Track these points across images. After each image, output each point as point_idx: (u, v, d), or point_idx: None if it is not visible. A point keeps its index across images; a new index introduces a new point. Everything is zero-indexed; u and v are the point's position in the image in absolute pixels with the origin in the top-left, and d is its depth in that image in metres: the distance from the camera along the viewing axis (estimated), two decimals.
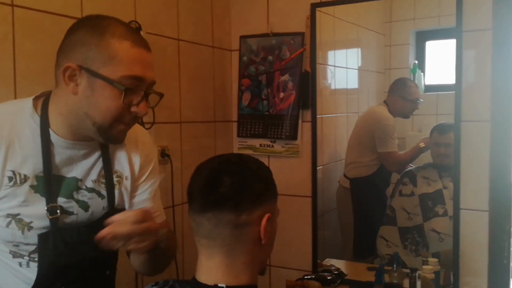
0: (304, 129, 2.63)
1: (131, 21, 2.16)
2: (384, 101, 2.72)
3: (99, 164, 1.42)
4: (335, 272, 2.48)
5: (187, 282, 1.22)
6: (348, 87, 2.93)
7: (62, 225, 1.33)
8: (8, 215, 1.28)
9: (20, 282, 1.33)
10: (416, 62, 2.71)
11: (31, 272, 1.32)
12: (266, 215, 1.17)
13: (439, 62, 2.73)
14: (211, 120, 2.69)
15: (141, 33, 2.15)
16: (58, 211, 1.32)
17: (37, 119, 1.32)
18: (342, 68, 2.85)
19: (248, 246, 1.18)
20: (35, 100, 1.36)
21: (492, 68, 2.14)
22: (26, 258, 1.33)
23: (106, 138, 1.33)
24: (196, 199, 1.17)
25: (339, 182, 2.83)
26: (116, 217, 1.23)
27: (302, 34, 2.59)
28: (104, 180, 1.42)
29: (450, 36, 2.58)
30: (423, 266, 2.22)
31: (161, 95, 1.38)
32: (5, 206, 1.28)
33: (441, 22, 2.64)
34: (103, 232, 1.20)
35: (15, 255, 1.32)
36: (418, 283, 2.20)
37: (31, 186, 1.30)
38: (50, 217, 1.30)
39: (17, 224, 1.28)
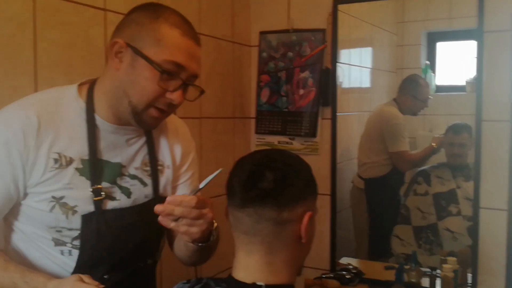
0: (324, 127, 2.63)
1: None
2: (394, 99, 2.72)
3: (143, 152, 1.43)
4: (353, 271, 2.47)
5: (223, 280, 1.19)
6: (362, 86, 2.93)
7: (105, 210, 1.33)
8: (52, 198, 1.28)
9: (61, 270, 1.32)
10: (428, 62, 2.71)
11: (72, 261, 1.32)
12: (308, 213, 1.15)
13: (450, 63, 2.73)
14: (230, 116, 2.68)
15: None
16: (103, 193, 1.32)
17: (82, 103, 1.33)
18: (356, 67, 2.85)
19: (288, 244, 1.15)
20: (80, 86, 1.38)
21: None
22: (69, 245, 1.32)
23: (139, 121, 1.32)
24: (236, 194, 1.15)
25: (353, 182, 2.82)
26: (175, 197, 1.22)
27: (323, 31, 2.58)
28: (147, 168, 1.43)
29: (461, 38, 2.62)
30: (443, 265, 2.21)
31: (201, 91, 1.37)
32: (50, 189, 1.28)
33: (452, 24, 2.64)
34: (160, 207, 1.20)
35: (57, 242, 1.31)
36: (438, 282, 2.19)
37: (76, 169, 1.30)
38: (95, 198, 1.31)
39: (61, 208, 1.28)
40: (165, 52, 1.26)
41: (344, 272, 2.46)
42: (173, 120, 1.50)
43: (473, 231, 2.26)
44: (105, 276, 1.35)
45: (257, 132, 2.79)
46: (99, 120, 1.34)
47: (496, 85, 2.20)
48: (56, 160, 1.28)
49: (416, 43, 2.75)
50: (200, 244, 1.32)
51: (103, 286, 1.17)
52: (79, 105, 1.34)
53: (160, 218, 1.22)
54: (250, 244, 1.15)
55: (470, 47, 2.29)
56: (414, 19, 2.75)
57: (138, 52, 1.26)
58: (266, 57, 2.73)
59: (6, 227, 1.37)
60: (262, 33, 2.75)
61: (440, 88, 2.69)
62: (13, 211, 1.32)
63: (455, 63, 2.66)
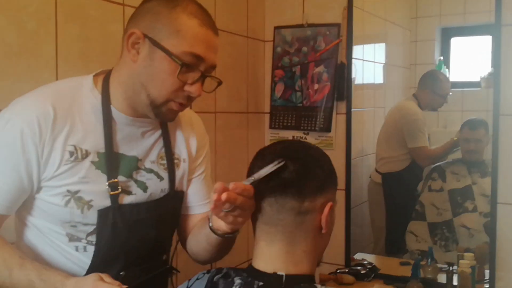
0: (338, 121, 2.62)
1: None
2: (413, 95, 2.71)
3: (159, 145, 1.40)
4: (368, 267, 2.47)
5: (243, 270, 1.19)
6: (375, 82, 2.93)
7: (122, 204, 1.31)
8: (67, 192, 1.25)
9: (75, 267, 1.30)
10: (442, 58, 2.70)
11: (87, 257, 1.30)
12: (329, 204, 1.15)
13: (464, 59, 2.72)
14: (244, 111, 2.68)
15: None
16: (120, 187, 1.30)
17: (98, 95, 1.31)
18: (370, 62, 2.85)
19: (309, 234, 1.15)
20: (96, 76, 1.34)
21: None
22: (84, 241, 1.29)
23: (157, 114, 1.29)
24: (257, 184, 1.14)
25: (370, 177, 2.83)
26: (238, 184, 1.12)
27: (338, 25, 2.58)
28: (163, 162, 1.40)
29: (476, 33, 2.61)
30: (460, 261, 2.19)
31: (219, 82, 1.35)
32: (65, 182, 1.25)
33: (466, 19, 2.64)
34: (225, 194, 1.10)
35: (71, 238, 1.29)
36: (455, 278, 2.18)
37: (92, 162, 1.28)
38: (111, 192, 1.28)
39: (76, 203, 1.25)
40: (183, 43, 1.22)
41: (359, 268, 2.46)
42: (187, 113, 1.47)
43: (491, 226, 2.24)
44: (121, 273, 1.33)
45: (271, 127, 2.78)
46: (115, 112, 1.31)
47: None
48: (71, 153, 1.25)
49: (430, 38, 2.75)
50: (226, 236, 1.29)
51: (125, 286, 1.15)
52: (95, 97, 1.31)
53: (212, 207, 1.13)
54: (271, 234, 1.15)
55: (484, 42, 2.28)
56: (428, 14, 2.75)
57: (156, 44, 1.22)
58: (280, 52, 2.73)
59: (19, 222, 1.34)
60: (277, 28, 2.75)
61: (454, 84, 2.68)
62: (27, 205, 1.29)
63: (469, 59, 2.66)
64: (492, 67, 2.26)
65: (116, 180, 1.30)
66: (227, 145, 2.54)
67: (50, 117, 1.23)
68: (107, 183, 1.28)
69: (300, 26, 2.67)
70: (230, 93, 2.56)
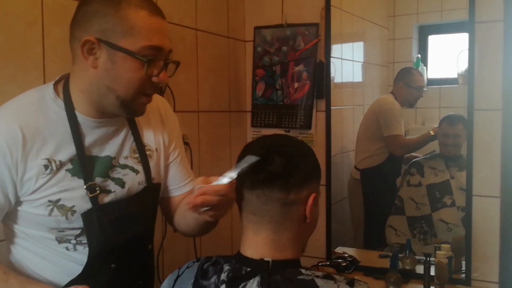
0: (318, 119, 2.66)
1: None
2: (391, 92, 2.77)
3: (129, 140, 1.42)
4: (349, 259, 2.51)
5: (232, 257, 1.25)
6: (354, 80, 2.96)
7: (103, 204, 1.34)
8: (49, 202, 1.28)
9: (73, 264, 1.34)
10: (419, 56, 2.74)
11: (80, 254, 1.34)
12: (313, 195, 1.21)
13: (442, 56, 2.77)
14: (226, 110, 2.72)
15: None
16: (97, 189, 1.32)
17: (61, 103, 1.32)
18: (348, 61, 2.88)
19: (294, 224, 1.21)
20: (55, 84, 1.35)
21: (504, 58, 2.19)
22: (73, 241, 1.33)
23: (129, 111, 1.32)
24: (246, 176, 1.20)
25: (350, 174, 2.87)
26: (210, 188, 1.20)
27: (316, 25, 2.62)
28: (136, 155, 1.43)
29: (453, 30, 2.65)
30: (437, 252, 2.24)
31: (177, 63, 1.35)
32: (45, 194, 1.27)
33: (444, 17, 2.68)
34: (199, 199, 1.20)
35: (61, 240, 1.33)
36: (432, 268, 2.23)
37: (67, 170, 1.30)
38: (90, 195, 1.31)
39: (59, 211, 1.28)
40: (141, 39, 1.23)
41: (339, 260, 2.51)
42: (153, 100, 1.41)
43: (467, 218, 2.29)
44: (112, 265, 1.37)
45: (253, 125, 2.83)
46: (80, 117, 1.32)
47: (488, 75, 2.23)
48: (46, 166, 1.27)
49: (408, 36, 2.80)
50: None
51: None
52: (59, 106, 1.31)
53: (190, 207, 1.22)
54: (258, 223, 1.21)
55: (462, 39, 2.32)
56: (405, 12, 2.79)
57: (115, 47, 1.23)
58: (261, 52, 2.77)
59: (8, 230, 1.37)
60: (257, 28, 2.78)
61: (432, 81, 2.73)
62: (12, 216, 1.32)
63: (447, 56, 2.69)
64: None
65: (93, 182, 1.32)
66: (210, 144, 2.57)
67: (19, 139, 1.24)
68: (84, 187, 1.31)
69: (280, 26, 2.71)
70: (212, 93, 2.59)
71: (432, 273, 2.23)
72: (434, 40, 2.78)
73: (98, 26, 1.23)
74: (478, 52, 2.25)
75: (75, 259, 1.34)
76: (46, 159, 1.27)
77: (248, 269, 1.19)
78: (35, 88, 1.38)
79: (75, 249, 1.34)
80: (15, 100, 1.34)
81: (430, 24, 2.78)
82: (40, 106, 1.30)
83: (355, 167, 2.85)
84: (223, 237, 2.60)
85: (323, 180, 2.61)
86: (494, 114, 2.22)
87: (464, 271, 2.32)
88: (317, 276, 1.16)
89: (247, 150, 1.25)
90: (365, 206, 2.85)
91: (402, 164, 2.82)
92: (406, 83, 2.72)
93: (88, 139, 1.33)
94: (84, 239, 1.33)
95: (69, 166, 1.30)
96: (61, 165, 1.29)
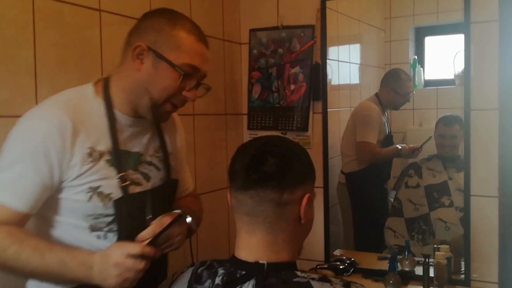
0: (315, 121, 2.66)
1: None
2: (376, 94, 2.76)
3: (154, 141, 1.61)
4: (348, 262, 2.50)
5: (226, 261, 1.24)
6: (351, 82, 2.96)
7: (132, 194, 1.49)
8: (89, 189, 1.41)
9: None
10: (416, 57, 2.74)
11: (109, 242, 1.44)
12: (307, 195, 1.21)
13: (438, 57, 2.77)
14: (222, 113, 2.71)
15: None
16: (128, 180, 1.48)
17: (100, 101, 1.49)
18: (345, 63, 2.89)
19: (289, 225, 1.21)
20: (95, 84, 1.53)
21: (499, 58, 2.19)
22: (105, 229, 1.46)
23: (155, 115, 1.49)
24: (239, 177, 1.20)
25: (338, 179, 2.85)
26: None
27: (312, 27, 2.62)
28: (158, 155, 1.62)
29: (448, 32, 2.65)
30: (436, 253, 2.24)
31: (208, 88, 1.57)
32: (87, 180, 1.41)
33: (440, 18, 2.68)
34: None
35: (93, 228, 1.45)
36: (431, 269, 2.22)
37: (107, 161, 1.45)
38: (122, 185, 1.46)
39: (98, 197, 1.42)
40: (184, 56, 1.44)
41: (338, 263, 2.50)
42: None
43: (465, 218, 2.29)
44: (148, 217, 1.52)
45: (249, 128, 2.82)
46: (118, 114, 1.49)
47: (484, 75, 2.24)
48: (89, 155, 1.42)
49: (404, 38, 2.79)
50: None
51: (147, 242, 1.37)
52: (98, 103, 1.48)
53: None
54: (252, 224, 1.21)
55: (458, 40, 2.32)
56: (401, 14, 2.78)
57: (160, 56, 1.43)
58: (256, 54, 2.76)
59: (44, 222, 1.46)
60: (252, 30, 2.78)
61: (429, 83, 2.73)
62: (53, 206, 1.43)
63: (443, 57, 2.69)
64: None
65: (125, 173, 1.48)
66: (206, 147, 2.57)
67: (70, 128, 1.38)
68: (117, 177, 1.46)
69: (275, 28, 2.71)
70: (208, 96, 2.52)
71: (432, 274, 2.22)
72: (430, 42, 2.78)
73: (152, 37, 1.45)
74: (474, 52, 2.25)
75: (104, 247, 1.41)
76: (90, 147, 1.42)
77: (243, 272, 1.18)
78: (74, 88, 1.54)
79: (105, 237, 1.46)
80: (58, 96, 1.49)
81: (426, 25, 2.77)
82: (82, 103, 1.46)
83: (341, 171, 2.82)
84: (220, 241, 2.60)
85: (320, 183, 2.61)
86: (490, 114, 2.23)
87: (463, 271, 2.32)
88: (313, 279, 1.16)
89: (241, 151, 1.25)
90: (353, 210, 2.82)
91: (391, 167, 2.82)
92: (394, 89, 2.72)
93: (123, 135, 1.50)
94: (114, 227, 1.46)
95: (108, 157, 1.45)
96: (101, 155, 1.44)
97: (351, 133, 2.79)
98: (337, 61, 2.78)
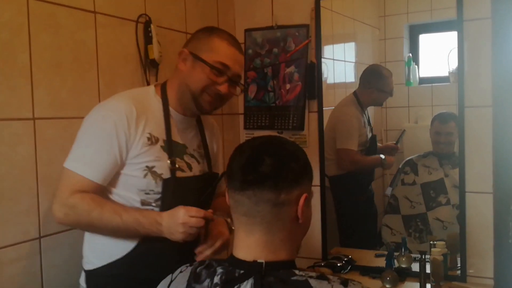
0: (311, 120, 2.67)
1: (141, 14, 2.20)
2: (354, 92, 2.78)
3: (196, 139, 1.89)
4: (345, 259, 2.51)
5: (225, 260, 1.25)
6: (346, 81, 2.97)
7: (178, 177, 1.74)
8: (146, 167, 1.69)
9: None
10: (410, 55, 2.75)
11: None
12: (304, 195, 1.21)
13: (433, 55, 2.78)
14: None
15: (152, 26, 2.20)
16: (177, 165, 1.75)
17: (159, 99, 1.78)
18: (340, 62, 2.90)
19: (286, 224, 1.21)
20: (155, 86, 1.83)
21: (492, 55, 2.20)
22: (153, 204, 1.71)
23: (198, 106, 1.76)
24: (236, 178, 1.21)
25: None
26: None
27: (307, 26, 2.63)
28: (200, 151, 1.89)
29: (442, 29, 2.66)
30: (432, 249, 2.25)
31: (243, 88, 1.97)
32: (144, 160, 1.68)
33: (434, 16, 2.69)
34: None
35: (143, 203, 1.70)
36: (428, 266, 2.23)
37: (161, 146, 1.73)
38: (171, 168, 1.72)
39: (152, 175, 1.69)
40: (215, 55, 1.73)
41: (335, 260, 2.51)
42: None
43: (461, 215, 2.31)
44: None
45: (245, 128, 2.83)
46: (172, 111, 1.79)
47: (477, 72, 2.25)
48: (148, 138, 1.69)
49: (399, 36, 2.80)
50: None
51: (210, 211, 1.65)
52: (158, 101, 1.78)
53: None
54: (250, 224, 1.21)
55: (452, 38, 2.33)
56: (395, 12, 2.80)
57: (197, 57, 1.73)
58: (252, 54, 2.77)
59: (104, 194, 1.69)
60: (247, 30, 2.79)
61: (423, 80, 2.74)
62: (114, 181, 1.69)
63: (438, 55, 2.70)
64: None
65: (174, 159, 1.74)
66: None
67: (134, 114, 1.67)
68: (169, 161, 1.72)
69: (270, 28, 2.72)
70: None
71: (428, 270, 2.23)
72: (424, 39, 2.79)
73: (194, 44, 1.78)
74: (467, 49, 2.26)
75: None
76: (149, 133, 1.70)
77: (242, 271, 1.19)
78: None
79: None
80: (124, 92, 1.78)
81: (421, 23, 2.78)
82: (145, 99, 1.76)
83: (325, 174, 2.75)
84: None
85: (317, 181, 2.62)
86: (484, 111, 2.24)
87: (459, 267, 2.33)
88: (311, 277, 1.16)
89: (238, 151, 1.26)
90: (336, 213, 2.81)
91: (375, 170, 2.83)
92: (379, 88, 2.74)
93: (175, 129, 1.78)
94: (160, 203, 1.71)
95: (162, 143, 1.73)
96: (157, 140, 1.72)
97: (330, 138, 2.74)
98: (332, 60, 2.79)
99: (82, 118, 1.92)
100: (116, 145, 1.64)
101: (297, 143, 2.59)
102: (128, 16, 2.15)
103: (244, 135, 2.86)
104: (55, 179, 1.83)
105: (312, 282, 1.15)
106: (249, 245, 1.22)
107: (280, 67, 2.69)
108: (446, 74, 2.57)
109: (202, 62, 1.71)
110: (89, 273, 1.74)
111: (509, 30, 2.16)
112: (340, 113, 2.82)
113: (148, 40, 2.22)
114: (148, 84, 2.23)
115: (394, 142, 2.78)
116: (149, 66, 2.25)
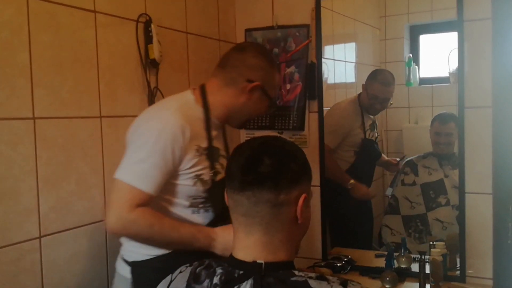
0: (311, 120, 2.67)
1: (142, 14, 2.19)
2: (358, 95, 2.78)
3: (221, 138, 1.99)
4: (345, 259, 2.52)
5: (224, 260, 1.25)
6: (347, 81, 2.97)
7: (217, 181, 1.84)
8: (195, 176, 1.80)
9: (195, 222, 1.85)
10: (411, 55, 2.75)
11: (200, 216, 1.85)
12: (303, 195, 1.21)
13: (433, 55, 2.78)
14: None
15: (152, 26, 2.20)
16: (216, 170, 1.86)
17: (200, 107, 1.87)
18: (341, 62, 2.90)
19: (285, 225, 1.21)
20: (193, 93, 1.90)
21: (492, 56, 2.20)
22: (200, 206, 1.85)
23: (238, 126, 2.03)
24: (235, 178, 1.21)
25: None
26: None
27: (307, 26, 2.63)
28: (225, 153, 1.97)
29: (443, 30, 2.65)
30: (432, 250, 2.26)
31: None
32: (194, 170, 1.79)
33: (434, 16, 2.69)
34: None
35: (191, 206, 1.84)
36: (427, 266, 2.24)
37: (206, 155, 1.83)
38: (210, 172, 1.84)
39: (201, 183, 1.81)
40: (275, 91, 1.97)
41: (335, 261, 2.52)
42: None
43: (460, 215, 2.31)
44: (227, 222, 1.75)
45: (246, 128, 2.79)
46: (213, 120, 1.88)
47: (478, 72, 2.25)
48: (197, 150, 1.80)
49: (399, 36, 2.80)
50: None
51: None
52: (199, 110, 1.86)
53: None
54: (249, 225, 1.21)
55: (453, 38, 2.33)
56: (396, 12, 2.80)
57: (267, 94, 1.91)
58: None
59: (160, 201, 1.79)
60: (248, 30, 2.79)
61: (424, 80, 2.74)
62: (169, 189, 1.79)
63: (438, 55, 2.69)
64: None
65: (215, 165, 1.86)
66: None
67: (188, 131, 1.75)
68: (211, 168, 1.84)
69: (270, 28, 2.72)
70: None
71: (428, 271, 2.24)
72: (425, 40, 2.79)
73: (261, 76, 1.88)
74: (468, 50, 2.26)
75: (197, 220, 1.84)
76: (197, 145, 1.80)
77: (241, 272, 1.19)
78: (176, 95, 1.91)
79: (198, 212, 1.85)
80: (168, 102, 1.90)
81: (421, 23, 2.78)
82: (188, 108, 1.83)
83: None
84: None
85: (317, 181, 2.62)
86: (484, 112, 2.24)
87: (458, 268, 2.33)
88: (310, 277, 1.16)
89: (237, 152, 1.26)
90: (322, 214, 2.71)
91: (373, 172, 2.83)
92: (370, 94, 2.75)
93: (213, 134, 1.88)
94: (206, 205, 1.85)
95: (205, 152, 1.83)
96: (204, 150, 1.82)
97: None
98: (332, 60, 2.80)
99: (82, 117, 1.94)
100: (171, 161, 1.73)
101: (298, 143, 2.64)
102: (129, 16, 2.15)
103: (244, 135, 2.86)
104: (55, 179, 1.83)
105: (312, 282, 1.15)
106: (249, 246, 1.22)
107: (280, 67, 2.69)
108: (446, 74, 2.56)
109: (269, 99, 1.91)
110: (134, 265, 1.82)
111: (509, 31, 2.16)
112: (334, 108, 2.82)
113: (148, 39, 2.22)
114: (148, 83, 2.23)
115: (398, 159, 2.78)
116: (150, 65, 2.25)
